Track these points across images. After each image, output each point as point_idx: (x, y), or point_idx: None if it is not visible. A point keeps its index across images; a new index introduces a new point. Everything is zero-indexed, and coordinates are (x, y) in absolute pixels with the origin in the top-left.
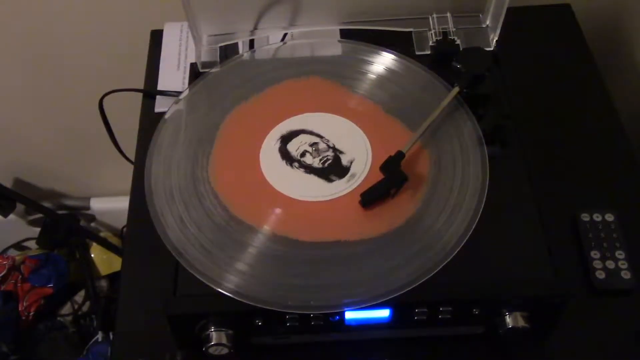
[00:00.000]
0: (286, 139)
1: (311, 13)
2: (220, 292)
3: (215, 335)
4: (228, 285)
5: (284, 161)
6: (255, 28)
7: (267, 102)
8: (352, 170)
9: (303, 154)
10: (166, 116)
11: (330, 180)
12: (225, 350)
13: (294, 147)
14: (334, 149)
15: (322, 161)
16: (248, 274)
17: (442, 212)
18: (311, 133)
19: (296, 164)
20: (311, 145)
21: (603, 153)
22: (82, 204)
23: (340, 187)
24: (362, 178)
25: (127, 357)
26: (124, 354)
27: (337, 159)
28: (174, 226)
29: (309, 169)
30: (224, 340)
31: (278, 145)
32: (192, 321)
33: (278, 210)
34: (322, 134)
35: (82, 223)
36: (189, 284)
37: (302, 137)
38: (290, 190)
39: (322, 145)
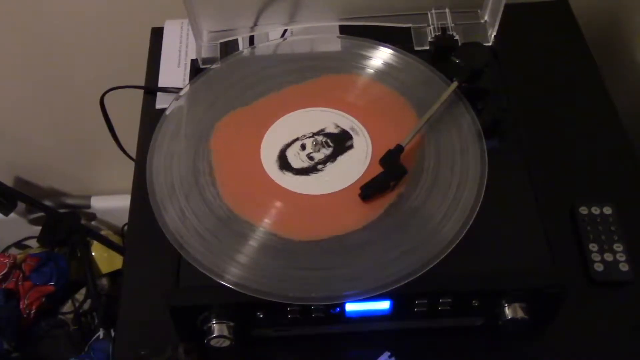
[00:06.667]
0: (283, 157)
1: (310, 9)
2: (221, 284)
3: (217, 327)
4: (229, 277)
5: (298, 176)
6: (255, 24)
7: (267, 98)
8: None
9: (311, 158)
10: (167, 112)
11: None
12: (226, 343)
13: (296, 161)
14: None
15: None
16: (249, 266)
17: (442, 204)
18: (302, 137)
19: (311, 172)
20: (312, 144)
21: (601, 146)
22: (83, 203)
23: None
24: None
25: (130, 349)
26: (126, 346)
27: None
28: (175, 219)
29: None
30: (226, 332)
31: (278, 163)
32: (194, 313)
33: (279, 204)
34: (314, 130)
35: (83, 221)
36: (190, 277)
37: (294, 147)
38: (291, 184)
39: (319, 138)
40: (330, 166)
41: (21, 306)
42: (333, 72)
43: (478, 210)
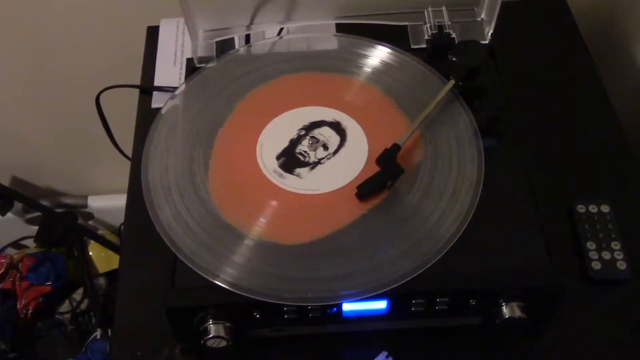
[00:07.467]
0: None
1: (307, 8)
2: (218, 284)
3: (214, 328)
4: (226, 277)
5: (295, 175)
6: (251, 23)
7: (262, 97)
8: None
9: (307, 155)
10: (163, 111)
11: (290, 172)
12: (223, 343)
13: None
14: (331, 154)
15: (306, 157)
16: (246, 266)
17: (439, 203)
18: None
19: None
20: (317, 139)
21: (598, 144)
22: (80, 202)
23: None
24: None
25: (126, 351)
26: (123, 347)
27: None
28: (171, 220)
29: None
30: (222, 333)
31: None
32: (191, 314)
33: (275, 203)
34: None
35: (80, 221)
36: (187, 277)
37: (324, 130)
38: (287, 183)
39: (321, 147)
40: (327, 165)
41: (18, 306)
42: (329, 71)
43: (475, 209)
